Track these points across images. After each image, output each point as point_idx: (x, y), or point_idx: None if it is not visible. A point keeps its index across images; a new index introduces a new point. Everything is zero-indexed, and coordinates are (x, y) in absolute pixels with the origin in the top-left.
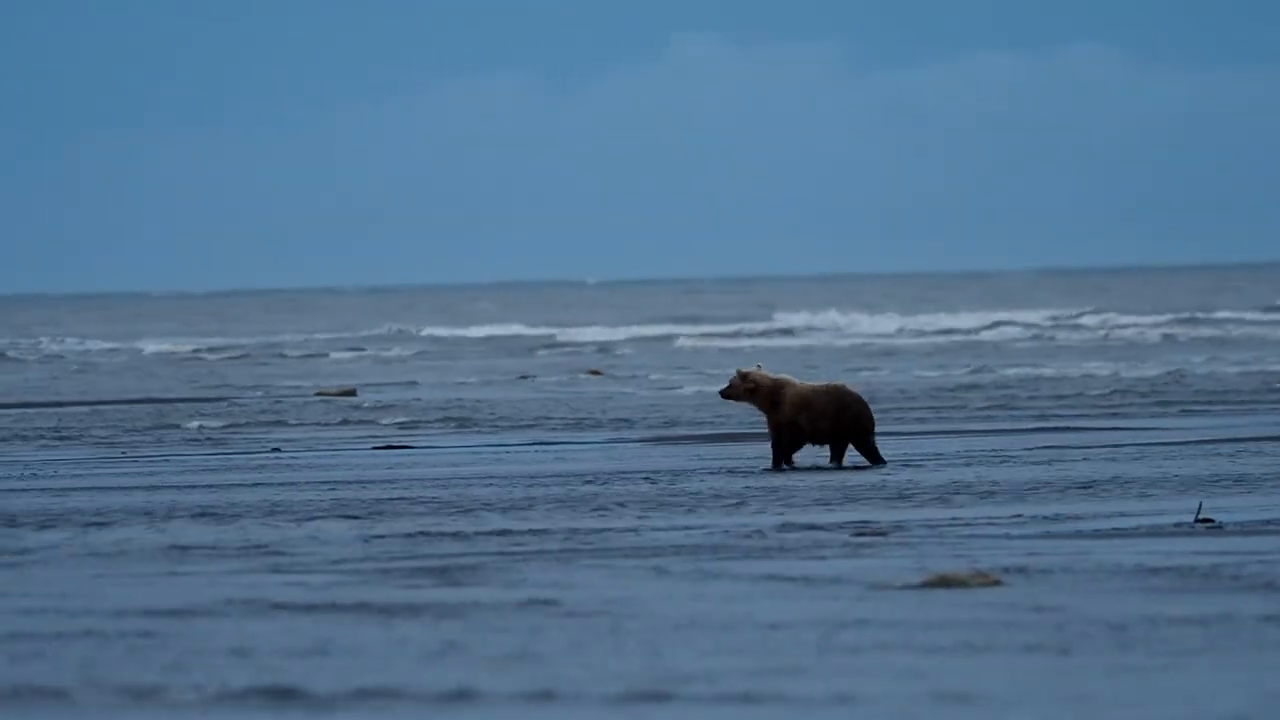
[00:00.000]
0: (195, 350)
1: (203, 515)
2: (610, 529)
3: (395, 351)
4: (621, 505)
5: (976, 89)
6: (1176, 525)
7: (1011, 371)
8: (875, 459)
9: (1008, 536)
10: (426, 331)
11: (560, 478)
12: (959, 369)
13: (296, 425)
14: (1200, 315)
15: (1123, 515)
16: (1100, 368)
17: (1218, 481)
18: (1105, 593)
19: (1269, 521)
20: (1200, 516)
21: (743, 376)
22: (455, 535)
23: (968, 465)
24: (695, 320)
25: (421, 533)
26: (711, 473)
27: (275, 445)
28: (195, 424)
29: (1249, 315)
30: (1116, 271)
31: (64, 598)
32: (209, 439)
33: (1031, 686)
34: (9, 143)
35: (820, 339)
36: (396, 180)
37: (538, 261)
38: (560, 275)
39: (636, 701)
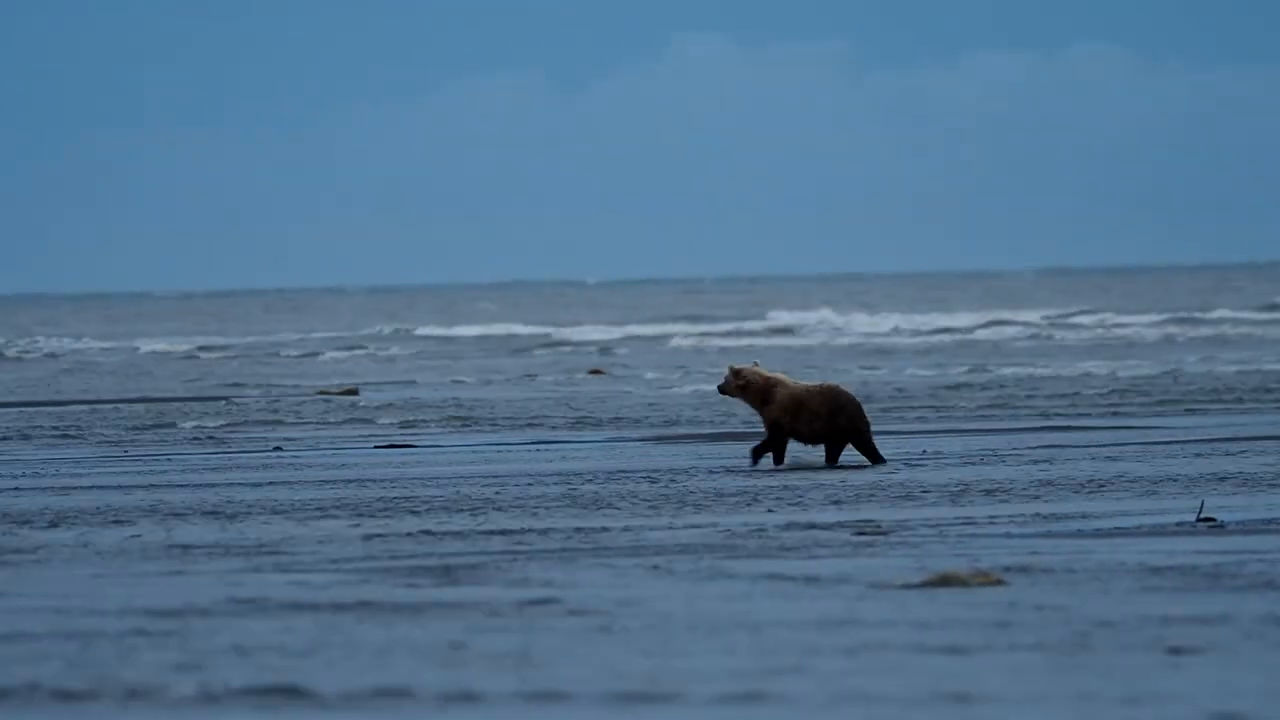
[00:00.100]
0: (196, 350)
1: (205, 514)
2: (611, 528)
3: (395, 351)
4: (622, 504)
5: (977, 89)
6: (1178, 524)
7: (1009, 370)
8: (875, 458)
9: (1009, 536)
10: (426, 331)
11: (561, 477)
12: (956, 368)
13: (297, 424)
14: (1198, 315)
15: (1124, 514)
16: (1098, 367)
17: (1219, 480)
18: (1107, 592)
19: (1271, 521)
20: (1202, 516)
21: (735, 373)
22: (456, 534)
23: (968, 464)
24: (695, 319)
25: (423, 531)
26: (712, 472)
27: (276, 444)
28: (190, 424)
29: (1246, 315)
30: (1117, 271)
31: (65, 597)
32: (210, 438)
33: (1032, 686)
34: (9, 143)
35: (818, 338)
36: (397, 180)
37: (538, 261)
38: (560, 275)
39: (637, 701)
